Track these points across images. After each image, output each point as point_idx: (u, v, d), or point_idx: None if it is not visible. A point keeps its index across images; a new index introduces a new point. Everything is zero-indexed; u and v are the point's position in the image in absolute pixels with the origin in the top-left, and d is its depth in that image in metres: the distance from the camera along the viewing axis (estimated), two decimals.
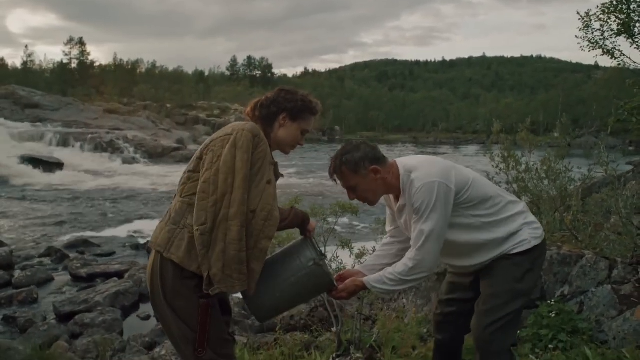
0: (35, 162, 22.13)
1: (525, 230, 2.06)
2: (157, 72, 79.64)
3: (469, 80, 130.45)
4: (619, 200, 3.73)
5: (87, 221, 13.04)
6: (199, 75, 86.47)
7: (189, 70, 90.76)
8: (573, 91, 75.30)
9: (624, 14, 5.19)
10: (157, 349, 4.58)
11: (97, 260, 8.83)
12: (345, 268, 3.57)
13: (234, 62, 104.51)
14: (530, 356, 2.84)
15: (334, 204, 3.57)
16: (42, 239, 10.86)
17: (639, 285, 3.22)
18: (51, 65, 72.89)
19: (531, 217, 2.14)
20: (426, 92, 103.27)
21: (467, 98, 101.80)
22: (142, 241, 10.40)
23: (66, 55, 70.10)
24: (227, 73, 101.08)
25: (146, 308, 6.57)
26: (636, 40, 5.32)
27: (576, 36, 5.75)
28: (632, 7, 5.23)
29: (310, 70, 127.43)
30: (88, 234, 11.30)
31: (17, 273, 7.87)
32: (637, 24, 5.32)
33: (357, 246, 3.71)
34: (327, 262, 2.11)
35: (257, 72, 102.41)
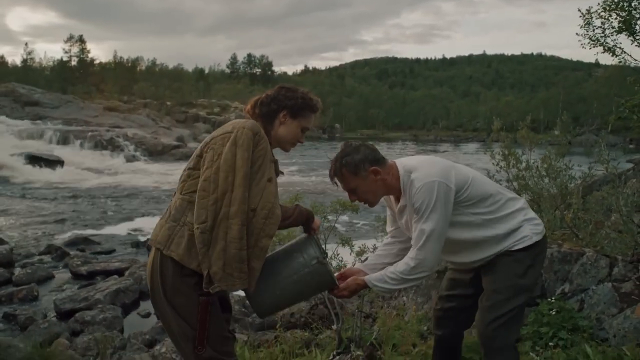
0: (35, 159, 22.13)
1: (526, 226, 2.08)
2: (157, 69, 79.56)
3: (469, 78, 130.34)
4: (620, 198, 3.73)
5: (87, 219, 13.05)
6: (199, 73, 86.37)
7: (189, 68, 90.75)
8: (573, 89, 75.29)
9: (625, 11, 5.18)
10: (158, 347, 4.59)
11: (97, 258, 8.84)
12: (345, 266, 3.57)
13: (234, 59, 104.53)
14: (531, 354, 2.84)
15: (334, 202, 3.57)
16: (42, 236, 10.87)
17: (639, 282, 3.22)
18: (51, 63, 72.91)
19: (531, 214, 2.15)
20: (426, 89, 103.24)
21: (467, 96, 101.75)
22: (142, 239, 10.41)
23: (66, 52, 70.06)
24: (227, 71, 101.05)
25: (146, 305, 6.57)
26: (637, 37, 5.30)
27: (577, 33, 5.74)
28: (633, 4, 5.22)
29: (311, 68, 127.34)
30: (88, 231, 11.31)
31: (18, 270, 7.87)
32: (638, 22, 5.30)
33: (357, 244, 3.71)
34: (327, 260, 2.11)
35: (257, 70, 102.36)
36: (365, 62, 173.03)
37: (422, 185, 1.95)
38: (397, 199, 2.12)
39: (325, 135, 62.56)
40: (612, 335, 2.99)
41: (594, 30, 5.61)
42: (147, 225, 11.47)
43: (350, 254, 3.62)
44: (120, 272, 7.78)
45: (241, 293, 1.91)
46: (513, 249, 2.05)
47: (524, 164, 4.85)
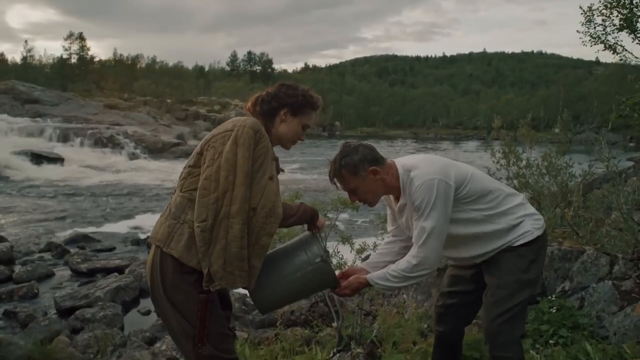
0: (35, 157, 22.13)
1: (527, 221, 2.09)
2: (157, 67, 79.46)
3: (469, 76, 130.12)
4: (620, 196, 3.73)
5: (87, 216, 13.06)
6: (199, 70, 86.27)
7: (189, 65, 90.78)
8: (574, 87, 75.18)
9: (626, 8, 5.17)
10: (158, 344, 4.60)
11: (97, 256, 8.86)
12: (345, 263, 3.57)
13: (234, 57, 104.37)
14: (531, 351, 2.84)
15: (334, 200, 3.57)
16: (42, 234, 10.88)
17: (639, 280, 3.22)
18: (51, 61, 72.74)
19: (531, 209, 2.17)
20: (426, 87, 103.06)
21: (467, 94, 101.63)
22: (142, 236, 10.42)
23: (66, 50, 69.87)
24: (227, 68, 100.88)
25: (146, 303, 6.58)
26: (638, 35, 5.29)
27: (578, 31, 5.73)
28: (634, 1, 5.21)
29: (311, 66, 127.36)
30: (88, 229, 11.32)
31: (18, 268, 7.88)
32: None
33: (357, 242, 3.71)
34: (329, 258, 2.11)
35: (257, 68, 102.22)
36: (366, 60, 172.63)
37: (422, 183, 1.96)
38: (397, 198, 2.13)
39: (325, 133, 62.54)
40: (612, 333, 3.00)
41: (595, 27, 5.61)
42: (147, 222, 11.48)
43: (351, 252, 3.62)
44: (120, 270, 7.79)
45: (241, 290, 1.92)
46: (515, 245, 2.06)
47: (524, 162, 4.84)
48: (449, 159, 2.17)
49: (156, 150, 28.74)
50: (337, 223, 3.75)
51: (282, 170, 2.01)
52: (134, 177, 20.99)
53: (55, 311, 6.27)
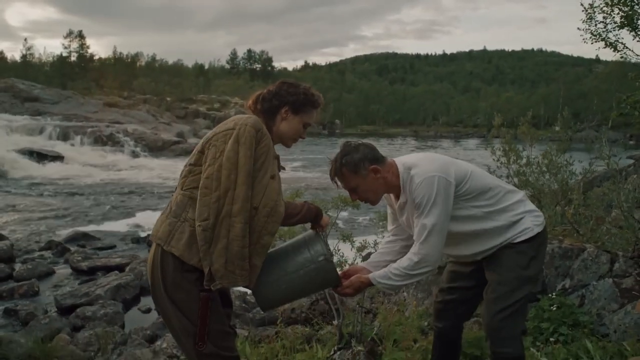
0: (35, 155, 22.12)
1: (527, 218, 2.10)
2: (156, 65, 79.38)
3: (469, 73, 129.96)
4: (621, 194, 3.74)
5: (87, 214, 13.06)
6: (199, 68, 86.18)
7: (189, 63, 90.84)
8: (574, 85, 75.12)
9: (627, 6, 5.16)
10: (158, 342, 4.60)
11: (97, 254, 8.86)
12: (346, 261, 3.57)
13: (234, 55, 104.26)
14: (532, 349, 2.84)
15: (335, 198, 3.57)
16: (42, 232, 10.88)
17: None
18: (50, 59, 72.67)
19: (531, 205, 2.18)
20: (427, 85, 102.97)
21: (467, 92, 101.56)
22: (142, 234, 10.42)
23: (65, 48, 69.87)
24: (227, 66, 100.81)
25: (147, 301, 6.59)
26: (639, 33, 5.29)
27: (579, 28, 5.73)
28: None
29: (311, 64, 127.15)
30: (88, 227, 11.32)
31: (18, 266, 7.89)
32: None
33: (357, 240, 3.71)
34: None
35: (257, 66, 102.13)
36: (366, 58, 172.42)
37: (422, 181, 1.97)
38: (398, 197, 2.14)
39: (325, 131, 62.50)
40: (612, 330, 3.00)
41: (596, 25, 5.60)
42: (147, 220, 11.47)
43: (351, 250, 3.62)
44: (120, 268, 7.79)
45: (242, 288, 1.93)
46: (515, 241, 2.08)
47: (524, 160, 4.85)
48: (449, 157, 2.18)
49: (156, 149, 28.71)
50: (337, 221, 3.74)
51: (283, 168, 2.01)
52: (134, 175, 20.99)
53: (56, 309, 6.28)
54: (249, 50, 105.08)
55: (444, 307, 2.33)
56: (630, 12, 5.12)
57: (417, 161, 2.07)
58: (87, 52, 70.87)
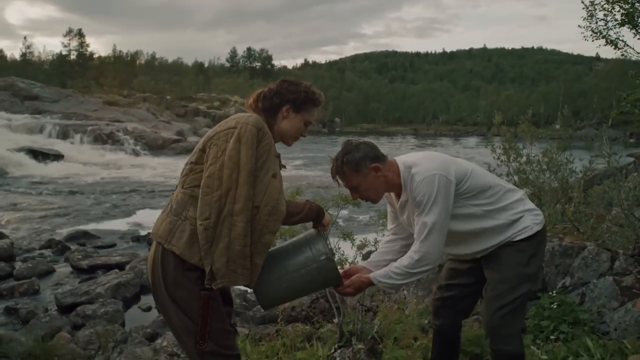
0: (35, 154, 22.11)
1: (526, 216, 2.11)
2: (156, 63, 79.33)
3: (469, 72, 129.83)
4: (621, 192, 3.74)
5: (87, 213, 13.06)
6: (199, 66, 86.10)
7: (189, 61, 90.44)
8: (574, 83, 75.14)
9: (628, 3, 5.15)
10: (159, 340, 4.60)
11: (97, 252, 8.85)
12: (347, 259, 3.57)
13: (233, 53, 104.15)
14: (532, 347, 2.84)
15: (335, 196, 3.57)
16: (42, 230, 10.88)
17: None
18: (50, 57, 72.59)
19: (530, 204, 2.19)
20: (426, 83, 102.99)
21: (467, 90, 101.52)
22: (142, 233, 10.42)
23: (65, 46, 69.71)
24: (227, 64, 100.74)
25: (147, 299, 6.59)
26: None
27: (579, 25, 5.72)
28: None
29: (310, 62, 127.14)
30: (89, 225, 11.32)
31: (18, 265, 7.89)
32: None
33: (358, 237, 3.71)
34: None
35: (257, 64, 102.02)
36: (366, 56, 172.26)
37: (423, 179, 1.98)
38: (398, 196, 2.15)
39: (325, 130, 62.47)
40: (613, 328, 3.00)
41: (596, 22, 5.59)
42: (147, 219, 11.47)
43: (352, 248, 3.62)
44: (121, 266, 7.80)
45: (242, 287, 1.92)
46: (515, 240, 2.09)
47: (524, 158, 4.85)
48: (449, 155, 2.19)
49: (156, 147, 28.70)
50: (337, 219, 3.74)
51: (284, 167, 2.01)
52: (134, 173, 20.98)
53: (56, 307, 6.28)
54: (249, 49, 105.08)
55: (442, 304, 2.34)
56: (631, 10, 5.10)
57: (418, 160, 2.09)
58: (86, 51, 70.80)
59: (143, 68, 73.85)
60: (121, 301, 6.36)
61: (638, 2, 5.15)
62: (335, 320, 3.22)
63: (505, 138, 4.92)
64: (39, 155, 22.17)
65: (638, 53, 5.69)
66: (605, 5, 5.41)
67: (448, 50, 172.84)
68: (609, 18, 5.48)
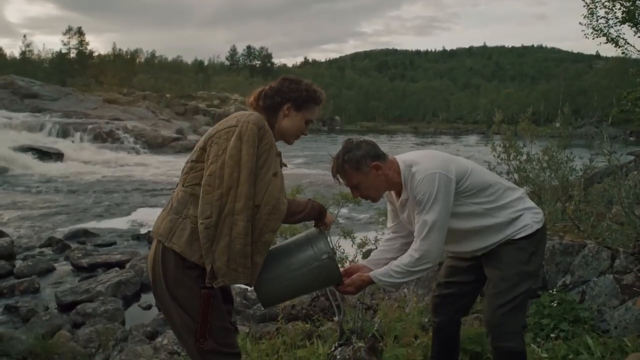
0: (35, 152, 22.10)
1: (526, 215, 2.12)
2: (156, 62, 79.22)
3: (469, 70, 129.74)
4: (621, 190, 3.73)
5: (87, 211, 13.06)
6: (199, 65, 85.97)
7: (189, 60, 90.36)
8: (574, 81, 75.03)
9: (629, 1, 5.14)
10: (159, 338, 4.60)
11: (98, 250, 8.86)
12: (347, 258, 3.57)
13: (233, 51, 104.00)
14: (532, 345, 2.85)
15: (336, 194, 3.56)
16: (42, 229, 10.88)
17: None
18: (50, 55, 72.50)
19: (530, 202, 2.20)
20: (426, 82, 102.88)
21: (467, 88, 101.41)
22: (142, 231, 10.42)
23: (65, 45, 69.65)
24: (227, 63, 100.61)
25: (148, 298, 6.59)
26: None
27: (580, 23, 5.72)
28: None
29: (310, 60, 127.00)
30: (89, 224, 11.32)
31: (19, 263, 7.89)
32: None
33: (358, 236, 3.71)
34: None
35: (256, 62, 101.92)
36: (365, 54, 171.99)
37: (424, 178, 1.99)
38: (398, 194, 2.15)
39: (325, 128, 62.41)
40: (613, 326, 3.00)
41: (597, 20, 5.59)
42: (148, 217, 11.48)
43: (352, 246, 3.62)
44: (121, 265, 7.80)
45: (242, 285, 1.92)
46: (515, 238, 2.10)
47: (524, 156, 4.84)
48: (449, 153, 2.20)
49: (156, 145, 28.70)
50: (337, 218, 3.74)
51: (285, 165, 2.01)
52: (134, 172, 20.97)
53: (57, 306, 6.28)
54: (249, 47, 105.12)
55: (442, 301, 2.35)
56: (632, 8, 5.09)
57: (418, 158, 2.10)
58: (86, 49, 70.71)
59: (143, 66, 73.78)
60: (121, 299, 6.36)
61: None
62: (336, 319, 3.22)
63: (505, 136, 4.91)
64: (39, 153, 22.16)
65: (638, 51, 5.68)
66: (606, 3, 5.41)
67: (448, 48, 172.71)
68: (609, 16, 5.47)
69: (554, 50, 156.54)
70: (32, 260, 7.83)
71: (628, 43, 5.53)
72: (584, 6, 5.56)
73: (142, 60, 79.48)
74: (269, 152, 1.83)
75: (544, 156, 4.67)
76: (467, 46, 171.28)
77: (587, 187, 4.78)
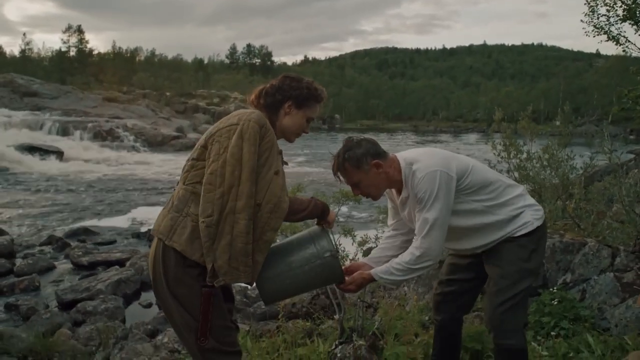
0: (35, 150, 22.09)
1: (527, 212, 2.13)
2: (156, 60, 79.17)
3: (469, 68, 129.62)
4: (622, 188, 3.74)
5: (87, 210, 13.06)
6: (198, 63, 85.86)
7: (188, 58, 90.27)
8: (574, 79, 74.94)
9: None
10: (160, 337, 4.60)
11: (98, 249, 8.86)
12: (347, 256, 3.57)
13: (233, 50, 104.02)
14: (533, 343, 2.85)
15: (336, 192, 3.56)
16: (42, 227, 10.88)
17: None
18: (49, 54, 72.43)
19: (531, 200, 2.20)
20: (426, 80, 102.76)
21: (467, 86, 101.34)
22: (142, 229, 10.42)
23: (64, 43, 69.60)
24: (227, 61, 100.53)
25: (148, 296, 6.60)
26: None
27: (582, 20, 5.71)
28: None
29: (310, 58, 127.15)
30: (89, 222, 11.31)
31: (19, 261, 7.88)
32: None
33: (359, 234, 3.71)
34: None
35: (256, 60, 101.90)
36: (365, 53, 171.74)
37: (424, 175, 1.99)
38: (399, 192, 2.16)
39: (325, 126, 62.37)
40: (613, 325, 3.00)
41: (598, 18, 5.58)
42: (148, 216, 11.48)
43: (352, 244, 3.62)
44: (121, 263, 7.80)
45: (243, 283, 1.92)
46: (516, 235, 2.10)
47: (525, 155, 4.84)
48: (449, 151, 2.20)
49: (156, 144, 28.70)
50: (338, 216, 3.74)
51: (286, 163, 2.00)
52: (133, 170, 20.97)
53: (57, 304, 6.28)
54: (249, 45, 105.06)
55: (443, 299, 2.35)
56: (633, 5, 5.09)
57: (418, 156, 2.10)
58: (86, 47, 70.62)
59: (142, 64, 73.75)
60: (122, 298, 6.36)
61: None
62: (336, 317, 3.22)
63: (505, 134, 4.91)
64: (39, 151, 22.15)
65: (639, 49, 5.67)
66: (607, 1, 5.40)
67: (448, 46, 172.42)
68: (610, 14, 5.46)
69: (554, 49, 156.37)
70: (33, 259, 7.83)
71: (629, 41, 5.53)
72: (585, 4, 5.56)
73: (142, 58, 79.43)
74: (271, 150, 1.83)
75: (544, 154, 4.67)
76: (467, 44, 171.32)
77: (588, 185, 4.78)
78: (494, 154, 4.90)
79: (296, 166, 22.12)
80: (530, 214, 2.12)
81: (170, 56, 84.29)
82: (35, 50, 72.91)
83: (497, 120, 5.11)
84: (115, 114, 32.62)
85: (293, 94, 1.94)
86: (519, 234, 2.09)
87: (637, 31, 5.26)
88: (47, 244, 9.15)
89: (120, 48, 77.76)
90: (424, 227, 2.00)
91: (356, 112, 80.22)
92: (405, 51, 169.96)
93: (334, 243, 2.02)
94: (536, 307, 3.19)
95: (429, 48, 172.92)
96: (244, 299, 5.99)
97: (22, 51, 69.13)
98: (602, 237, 3.76)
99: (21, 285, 6.79)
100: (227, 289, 1.99)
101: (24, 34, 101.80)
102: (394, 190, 2.21)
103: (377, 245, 2.59)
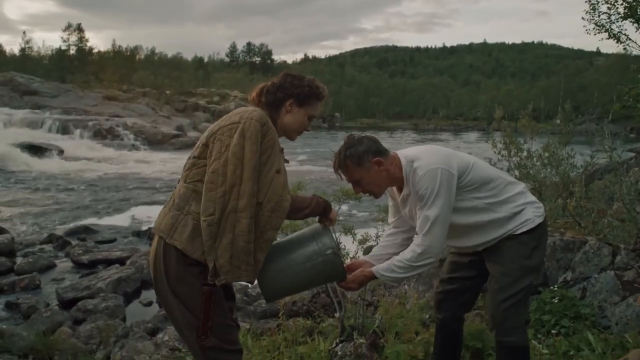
0: (35, 149, 22.08)
1: (528, 209, 2.12)
2: (156, 58, 79.09)
3: (469, 66, 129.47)
4: (622, 187, 3.73)
5: (88, 208, 13.07)
6: (198, 61, 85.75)
7: (188, 56, 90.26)
8: (574, 78, 74.82)
9: None
10: (160, 335, 4.61)
11: (98, 247, 8.87)
12: (348, 254, 3.57)
13: (233, 48, 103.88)
14: (533, 341, 2.85)
15: (337, 190, 3.56)
16: (42, 226, 10.89)
17: None
18: (49, 52, 72.32)
19: (531, 197, 2.21)
20: (426, 78, 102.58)
21: (467, 85, 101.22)
22: (143, 228, 10.42)
23: (64, 41, 69.43)
24: (227, 59, 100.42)
25: (148, 294, 6.60)
26: None
27: (583, 18, 5.70)
28: None
29: (310, 57, 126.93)
30: (89, 220, 11.32)
31: (19, 260, 7.90)
32: None
33: (359, 232, 3.71)
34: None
35: (256, 59, 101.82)
36: (366, 51, 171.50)
37: (425, 173, 1.99)
38: (400, 189, 2.15)
39: (325, 124, 62.36)
40: (614, 323, 3.00)
41: (599, 15, 5.57)
42: (147, 214, 11.49)
43: (353, 243, 3.62)
44: (121, 261, 7.81)
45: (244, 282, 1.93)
46: (517, 232, 2.10)
47: (525, 153, 4.84)
48: (450, 149, 2.19)
49: (156, 142, 28.69)
50: (338, 214, 3.73)
51: (287, 161, 2.00)
52: (134, 168, 20.98)
53: (57, 302, 6.29)
54: (249, 43, 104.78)
55: (444, 297, 2.35)
56: (634, 3, 5.08)
57: (419, 154, 2.10)
58: (86, 46, 70.46)
59: (142, 63, 73.69)
60: (122, 296, 6.37)
61: None
62: (337, 315, 3.22)
63: (505, 133, 4.91)
64: (39, 150, 22.14)
65: None
66: None
67: (448, 45, 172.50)
68: (611, 11, 5.45)
69: (554, 47, 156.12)
70: (33, 257, 7.84)
71: (629, 39, 5.52)
72: (586, 1, 5.55)
73: (142, 57, 79.35)
74: (272, 148, 1.82)
75: (544, 153, 4.67)
76: (467, 43, 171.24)
77: (588, 183, 4.78)
78: (494, 152, 4.90)
79: (297, 164, 22.11)
80: (531, 212, 2.12)
81: (170, 54, 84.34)
82: (35, 48, 72.92)
83: (497, 119, 5.11)
84: (115, 113, 32.61)
85: (294, 92, 1.94)
86: (520, 231, 2.09)
87: (637, 29, 5.25)
88: (47, 243, 9.16)
89: (120, 46, 77.75)
90: (425, 225, 1.99)
91: (356, 111, 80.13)
92: (405, 49, 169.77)
93: (335, 240, 2.02)
94: (537, 305, 3.19)
95: (429, 46, 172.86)
96: (245, 297, 6.00)
97: (22, 50, 69.07)
98: (602, 235, 3.76)
99: (22, 283, 6.80)
100: (228, 287, 1.99)
101: (24, 33, 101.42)
102: (394, 188, 2.21)
103: (377, 244, 2.59)
